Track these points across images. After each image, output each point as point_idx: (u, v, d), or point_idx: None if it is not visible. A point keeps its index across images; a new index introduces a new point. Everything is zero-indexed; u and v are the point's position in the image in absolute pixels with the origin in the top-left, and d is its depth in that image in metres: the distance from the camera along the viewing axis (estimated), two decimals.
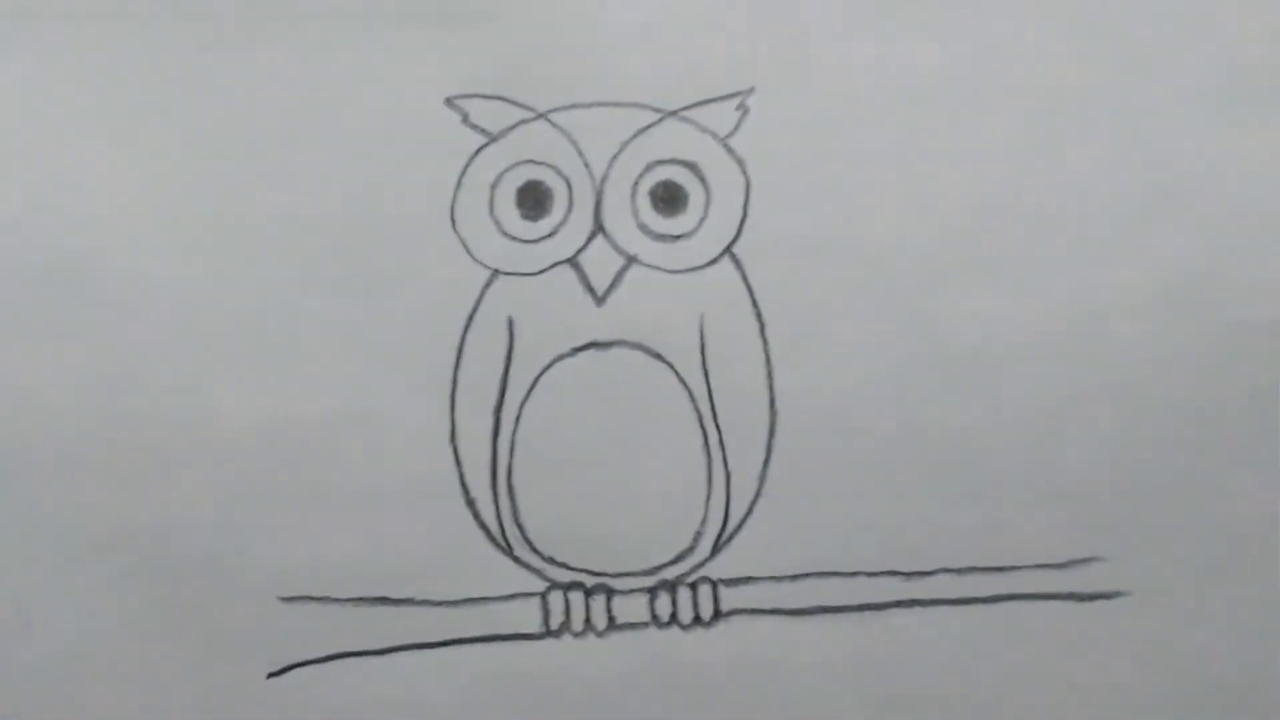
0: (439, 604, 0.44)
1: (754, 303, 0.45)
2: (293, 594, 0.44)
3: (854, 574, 0.44)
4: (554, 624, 0.44)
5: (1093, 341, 0.45)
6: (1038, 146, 0.45)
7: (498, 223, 0.45)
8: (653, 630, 0.44)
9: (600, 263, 0.45)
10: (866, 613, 0.44)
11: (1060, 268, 0.45)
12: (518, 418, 0.44)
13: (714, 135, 0.45)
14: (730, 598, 0.44)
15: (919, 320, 0.45)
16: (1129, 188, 0.45)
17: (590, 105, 0.45)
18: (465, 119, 0.45)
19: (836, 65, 0.45)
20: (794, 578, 0.44)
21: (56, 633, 0.44)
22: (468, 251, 0.45)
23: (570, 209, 0.45)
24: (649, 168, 0.45)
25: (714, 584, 0.44)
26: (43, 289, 0.44)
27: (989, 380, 0.45)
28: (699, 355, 0.44)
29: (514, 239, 0.45)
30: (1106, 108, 0.45)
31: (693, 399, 0.44)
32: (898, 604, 0.44)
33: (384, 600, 0.44)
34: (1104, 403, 0.44)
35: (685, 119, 0.45)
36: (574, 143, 0.45)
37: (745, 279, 0.45)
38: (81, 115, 0.45)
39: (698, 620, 0.44)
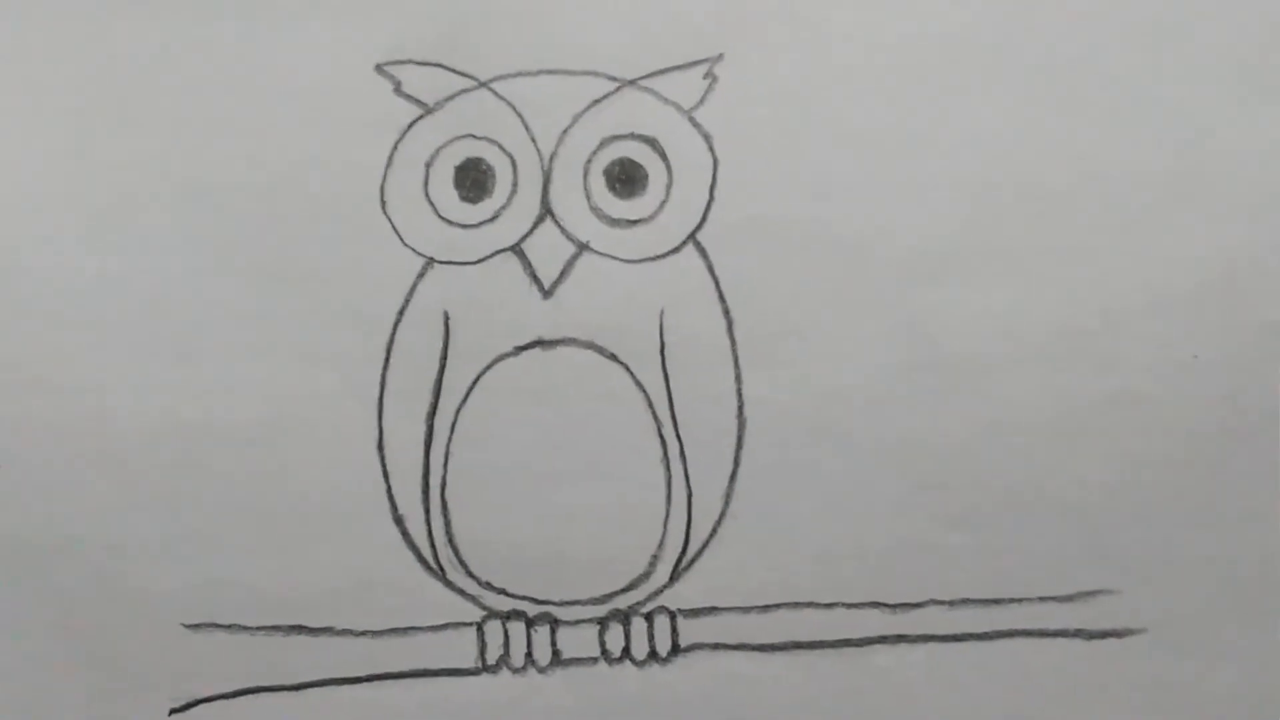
0: (361, 634, 0.41)
1: (720, 297, 0.42)
2: (198, 620, 0.41)
3: (831, 605, 0.41)
4: (491, 658, 0.41)
5: (1104, 344, 0.42)
6: (1044, 123, 0.42)
7: (433, 205, 0.42)
8: (602, 666, 0.41)
9: (547, 250, 0.42)
10: (846, 650, 0.41)
11: (1068, 260, 0.42)
12: (453, 424, 0.41)
13: (677, 107, 0.42)
14: (691, 630, 0.41)
15: (907, 318, 0.42)
16: (1148, 170, 0.42)
17: (538, 73, 0.42)
18: (397, 88, 0.42)
19: (817, 29, 0.42)
20: (763, 609, 0.41)
21: None
22: (399, 237, 0.42)
23: (514, 190, 0.42)
24: (604, 144, 0.42)
25: (672, 615, 0.41)
26: None
27: (986, 386, 0.41)
28: (658, 356, 0.42)
29: (451, 223, 0.42)
30: (1123, 79, 0.42)
31: (650, 405, 0.41)
32: (881, 640, 0.41)
33: (300, 629, 0.41)
34: (1116, 414, 0.41)
35: (645, 89, 0.42)
36: (519, 115, 0.42)
37: (711, 270, 0.42)
38: None
39: (653, 655, 0.41)
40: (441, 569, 0.41)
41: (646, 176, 0.42)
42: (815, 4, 0.42)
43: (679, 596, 0.41)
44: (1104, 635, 0.41)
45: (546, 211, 0.41)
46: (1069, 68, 0.42)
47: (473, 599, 0.41)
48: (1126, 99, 0.42)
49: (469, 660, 0.41)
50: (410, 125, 0.42)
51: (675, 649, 0.41)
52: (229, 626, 0.41)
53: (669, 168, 0.42)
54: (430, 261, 0.42)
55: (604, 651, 0.41)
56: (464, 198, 0.42)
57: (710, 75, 0.42)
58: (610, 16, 0.42)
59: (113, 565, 0.41)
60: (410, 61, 0.42)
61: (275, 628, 0.41)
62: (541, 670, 0.41)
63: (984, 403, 0.41)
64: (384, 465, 0.41)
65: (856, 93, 0.42)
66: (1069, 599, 0.41)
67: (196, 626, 0.41)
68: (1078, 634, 0.41)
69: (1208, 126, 0.42)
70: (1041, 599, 0.41)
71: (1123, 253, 0.42)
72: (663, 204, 0.42)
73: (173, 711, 0.41)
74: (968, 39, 0.42)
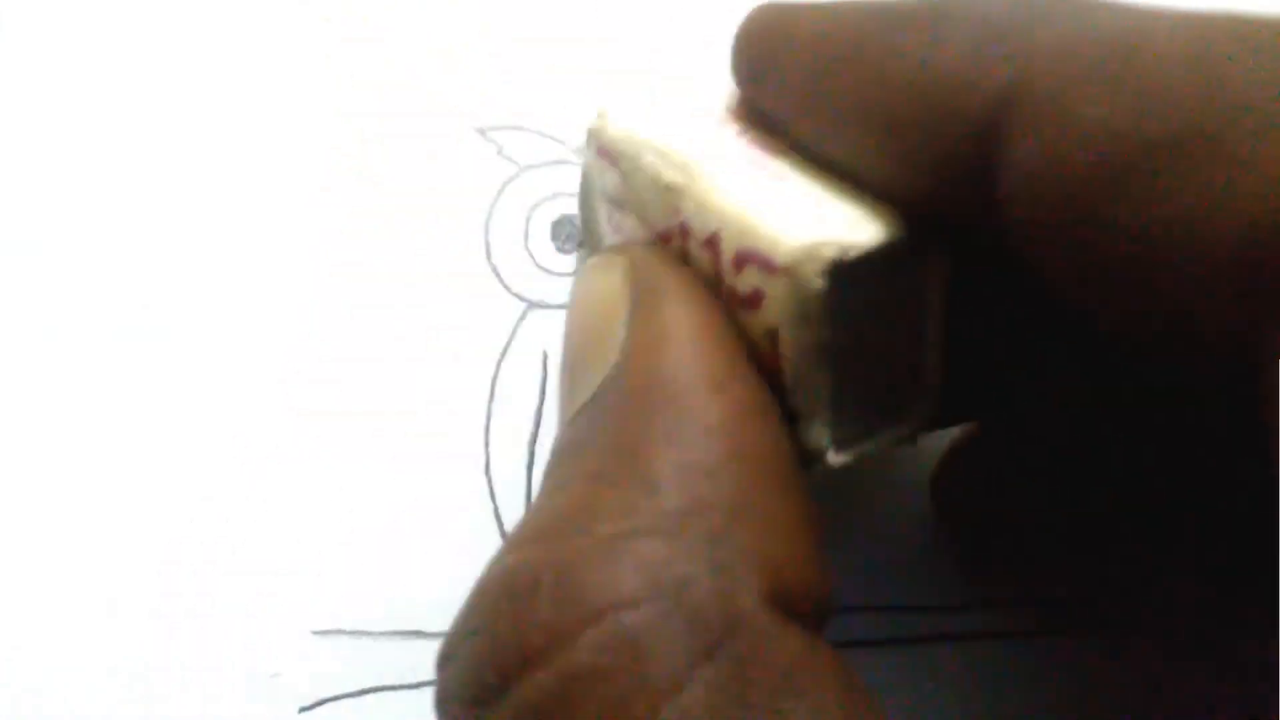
0: None
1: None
2: (327, 628, 0.44)
3: (863, 609, 0.44)
4: None
5: None
6: None
7: (532, 255, 0.45)
8: None
9: None
10: (873, 648, 0.44)
11: None
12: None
13: None
14: None
15: None
16: None
17: None
18: (499, 151, 0.45)
19: None
20: None
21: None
22: (503, 285, 0.45)
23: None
24: None
25: None
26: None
27: None
28: None
29: (549, 272, 0.45)
30: None
31: None
32: (920, 639, 0.44)
33: (418, 634, 0.44)
34: None
35: None
36: None
37: None
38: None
39: None
40: None
41: None
42: None
43: None
44: (1098, 629, 0.44)
45: None
46: None
47: None
48: None
49: None
50: (510, 184, 0.45)
51: None
52: (353, 632, 0.44)
53: None
54: (530, 306, 0.45)
55: None
56: (559, 249, 0.45)
57: None
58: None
59: (243, 576, 0.44)
60: (509, 127, 0.46)
61: (396, 632, 0.44)
62: None
63: None
64: (490, 486, 0.44)
65: None
66: (1076, 600, 0.44)
67: (325, 633, 0.44)
68: (1081, 630, 0.44)
69: None
70: (1051, 600, 0.44)
71: None
72: None
73: (302, 710, 0.44)
74: None
